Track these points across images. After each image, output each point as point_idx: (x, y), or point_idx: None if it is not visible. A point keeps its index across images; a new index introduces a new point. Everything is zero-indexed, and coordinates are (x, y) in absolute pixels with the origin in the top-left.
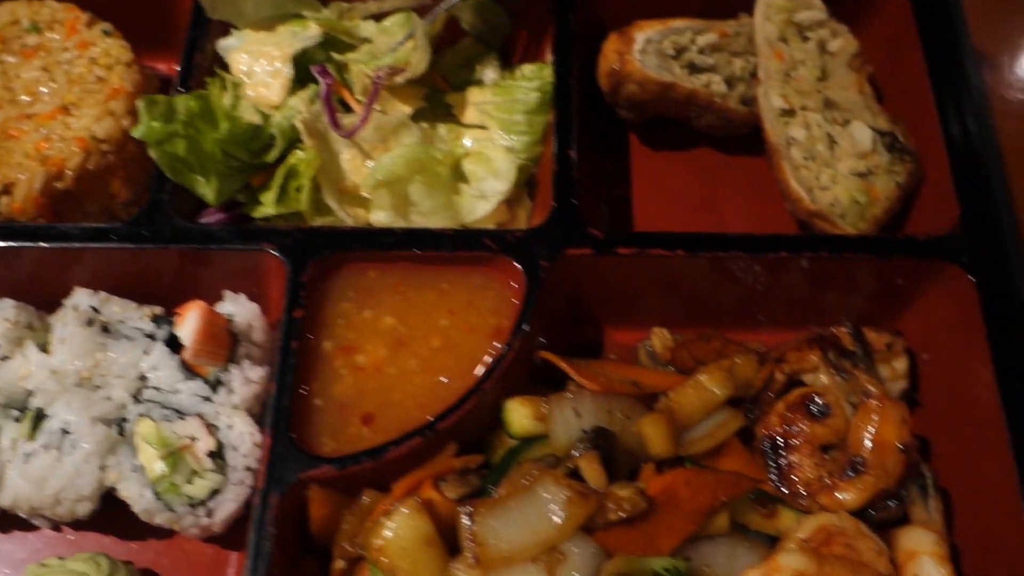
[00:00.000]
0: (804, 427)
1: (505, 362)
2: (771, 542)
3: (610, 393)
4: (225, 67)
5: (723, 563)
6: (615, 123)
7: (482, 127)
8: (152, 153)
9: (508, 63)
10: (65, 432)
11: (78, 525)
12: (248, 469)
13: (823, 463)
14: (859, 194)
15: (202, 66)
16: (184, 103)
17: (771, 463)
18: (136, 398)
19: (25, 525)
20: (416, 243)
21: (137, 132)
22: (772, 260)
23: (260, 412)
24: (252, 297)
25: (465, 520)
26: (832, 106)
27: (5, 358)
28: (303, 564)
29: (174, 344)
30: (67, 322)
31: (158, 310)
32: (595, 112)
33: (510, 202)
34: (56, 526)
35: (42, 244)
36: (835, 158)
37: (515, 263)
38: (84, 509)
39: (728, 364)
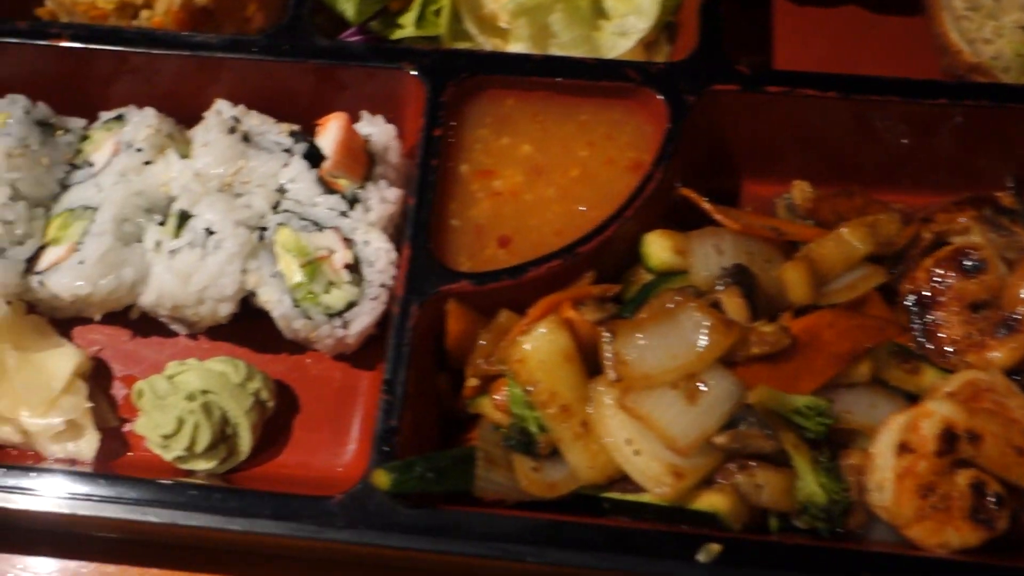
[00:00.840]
0: (954, 283)
1: (647, 192)
2: (911, 401)
3: (751, 235)
4: None
5: (864, 411)
6: None
7: None
8: None
9: None
10: (209, 232)
11: (213, 334)
12: (383, 286)
13: (972, 321)
14: None
15: None
16: None
17: (916, 320)
18: (275, 209)
19: (163, 332)
20: (556, 70)
21: None
22: (925, 112)
23: (394, 234)
24: (388, 120)
25: (607, 339)
26: None
27: (148, 163)
28: (437, 380)
29: (312, 159)
30: (210, 128)
31: (295, 127)
32: None
33: (648, 44)
34: (193, 334)
35: (183, 52)
36: (1000, 10)
37: (658, 96)
38: (225, 310)
39: (871, 220)
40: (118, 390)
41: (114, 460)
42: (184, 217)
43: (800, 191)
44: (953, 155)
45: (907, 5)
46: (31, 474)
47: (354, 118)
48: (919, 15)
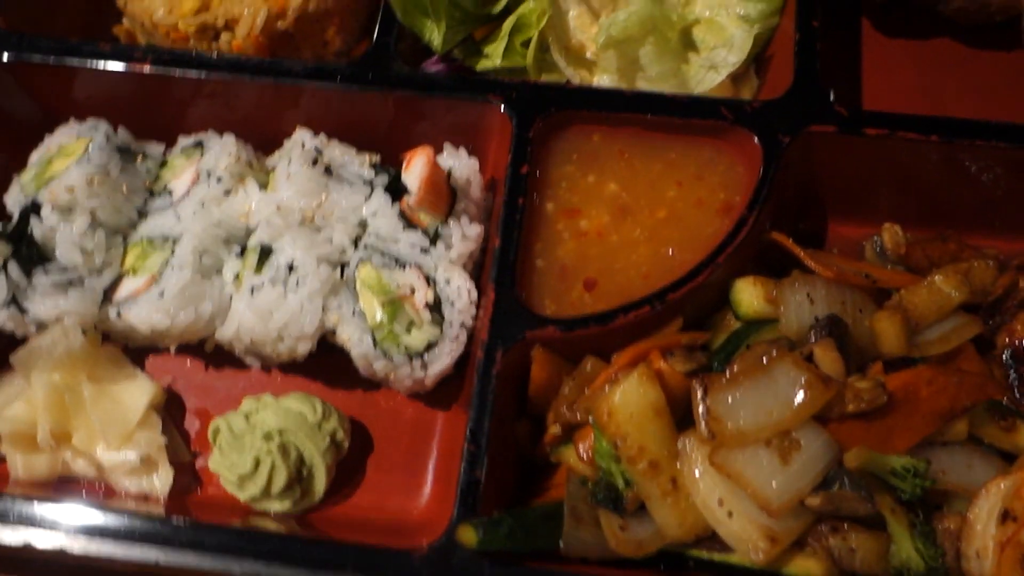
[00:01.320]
0: None
1: (739, 238)
2: (1006, 460)
3: (843, 282)
4: None
5: (960, 472)
6: (851, 2)
7: None
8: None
9: None
10: (291, 268)
11: (287, 368)
12: (463, 326)
13: None
14: None
15: None
16: None
17: (1013, 375)
18: (356, 243)
19: (237, 364)
20: (648, 106)
21: None
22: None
23: (474, 269)
24: (470, 152)
25: (699, 394)
26: None
27: (228, 192)
28: (517, 427)
29: (394, 192)
30: (292, 159)
31: (376, 157)
32: None
33: (735, 77)
34: (267, 367)
35: (267, 80)
36: None
37: (752, 136)
38: (304, 348)
39: (965, 267)
40: (191, 423)
41: (186, 496)
42: (265, 252)
43: (891, 235)
44: None
45: (1003, 40)
46: (107, 515)
47: (436, 149)
48: (1016, 50)
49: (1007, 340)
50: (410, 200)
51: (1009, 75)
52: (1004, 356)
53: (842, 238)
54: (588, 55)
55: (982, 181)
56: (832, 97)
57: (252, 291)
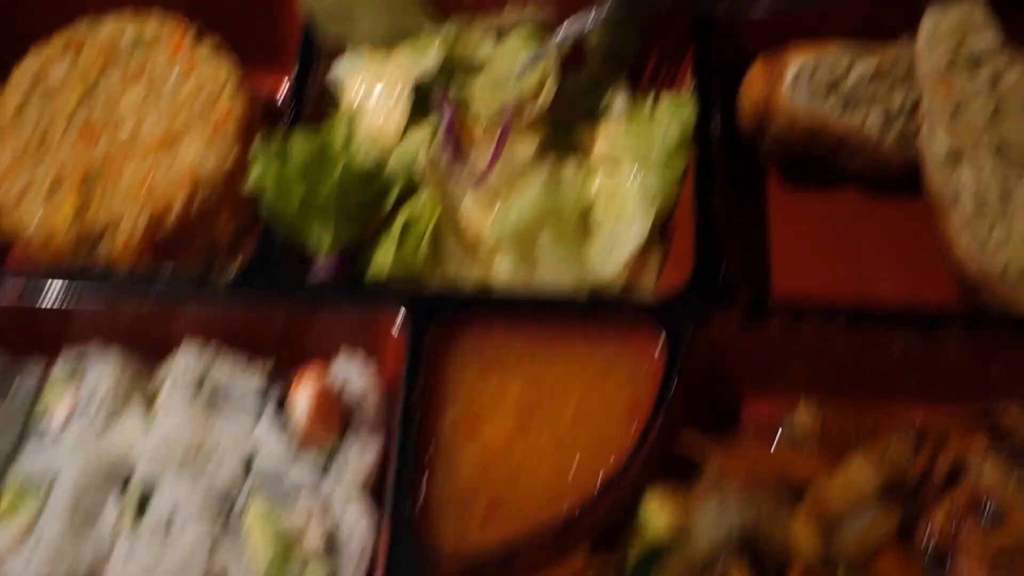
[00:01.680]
0: (973, 533)
1: (647, 445)
2: None
3: (757, 486)
4: (335, 99)
5: None
6: (749, 160)
7: (613, 165)
8: (264, 209)
9: (635, 91)
10: (173, 516)
11: None
12: (361, 560)
13: (997, 568)
14: None
15: (312, 95)
16: (299, 147)
17: (934, 567)
18: (244, 474)
19: None
20: (547, 308)
21: (251, 183)
22: (940, 340)
23: (373, 487)
24: (365, 355)
25: None
26: (1007, 151)
27: (111, 416)
28: None
29: (284, 416)
30: (175, 387)
31: (268, 365)
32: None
33: (640, 251)
34: None
35: (145, 298)
36: (1009, 213)
37: (656, 330)
38: None
39: (881, 448)
40: None
41: None
42: (145, 497)
43: (805, 415)
44: (966, 370)
45: (909, 192)
46: None
47: (331, 354)
48: (921, 198)
49: (928, 531)
50: (299, 429)
51: (918, 223)
52: (925, 552)
53: (757, 415)
54: (484, 247)
55: (897, 356)
56: (738, 275)
57: (130, 545)
